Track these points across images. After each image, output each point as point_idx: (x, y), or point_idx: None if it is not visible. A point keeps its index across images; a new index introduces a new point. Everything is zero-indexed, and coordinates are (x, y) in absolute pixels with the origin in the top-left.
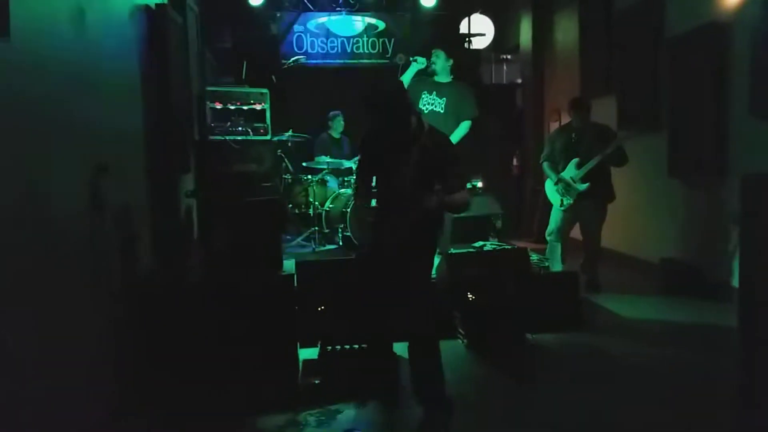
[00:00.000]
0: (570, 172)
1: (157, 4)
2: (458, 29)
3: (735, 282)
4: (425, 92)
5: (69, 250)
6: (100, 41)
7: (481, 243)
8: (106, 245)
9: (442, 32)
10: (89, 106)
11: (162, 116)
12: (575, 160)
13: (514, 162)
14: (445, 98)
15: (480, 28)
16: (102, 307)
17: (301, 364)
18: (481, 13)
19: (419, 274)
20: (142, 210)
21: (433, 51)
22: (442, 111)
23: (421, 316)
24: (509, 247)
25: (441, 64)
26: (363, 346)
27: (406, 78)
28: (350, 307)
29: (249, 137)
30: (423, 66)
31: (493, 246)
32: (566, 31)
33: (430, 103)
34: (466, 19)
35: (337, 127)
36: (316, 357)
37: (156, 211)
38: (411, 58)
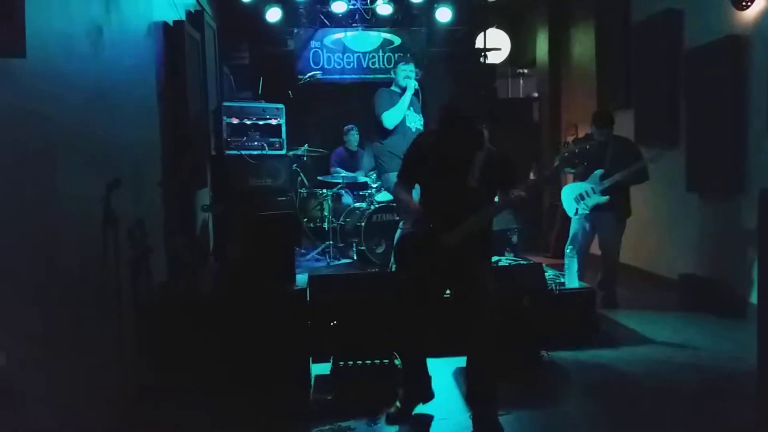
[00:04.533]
0: (592, 182)
1: (174, 21)
2: (474, 44)
3: (754, 298)
4: (409, 110)
5: (84, 263)
6: (117, 58)
7: (496, 258)
8: (122, 258)
9: (458, 47)
10: (105, 123)
11: (178, 132)
12: (599, 171)
13: (531, 176)
14: (420, 114)
15: (496, 43)
16: (115, 320)
17: (313, 379)
18: (497, 27)
19: (485, 283)
20: (157, 224)
21: (405, 65)
22: (422, 128)
23: (489, 329)
24: (524, 262)
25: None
26: (376, 361)
27: (404, 103)
28: (375, 323)
29: (264, 152)
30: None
31: (509, 261)
32: (583, 45)
33: (414, 121)
34: (482, 33)
35: (353, 141)
36: (328, 372)
37: (172, 224)
38: (405, 77)
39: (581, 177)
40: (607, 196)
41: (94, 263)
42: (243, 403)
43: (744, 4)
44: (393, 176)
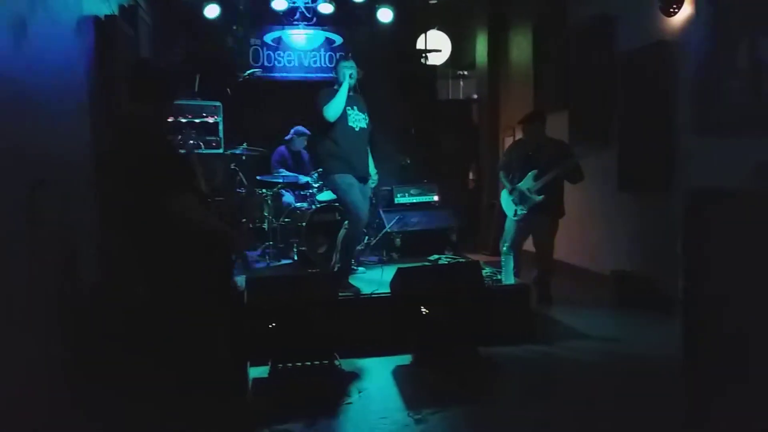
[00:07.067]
0: (527, 183)
1: (106, 16)
2: (415, 45)
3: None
4: (348, 108)
5: (6, 265)
6: (42, 54)
7: (436, 256)
8: (47, 262)
9: (399, 47)
10: (28, 122)
11: (110, 130)
12: (533, 172)
13: (470, 176)
14: (365, 113)
15: (437, 44)
16: (40, 323)
17: (250, 383)
18: (437, 29)
19: None
20: (88, 226)
21: (345, 62)
22: (366, 127)
23: None
24: (462, 260)
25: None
26: (316, 363)
27: (343, 94)
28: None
29: (201, 151)
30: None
31: (448, 259)
32: (521, 47)
33: (357, 120)
34: (423, 35)
35: (299, 143)
36: (266, 375)
37: (104, 225)
38: (348, 71)
39: (518, 179)
40: (542, 196)
41: (16, 265)
42: (178, 408)
43: (671, 10)
44: (337, 178)
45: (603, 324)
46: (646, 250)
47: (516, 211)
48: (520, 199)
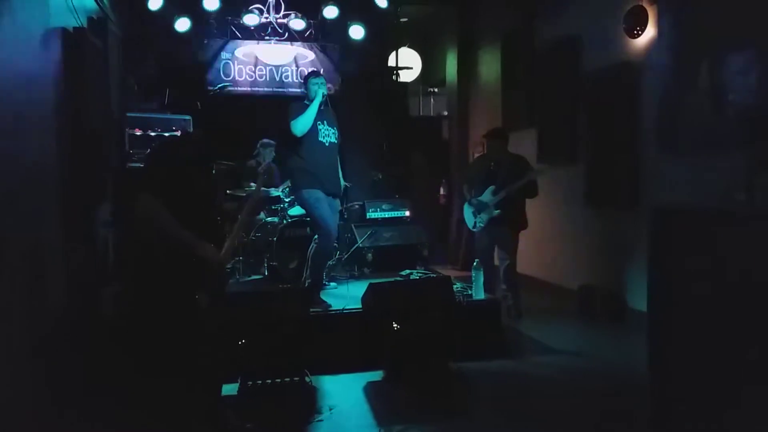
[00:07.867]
0: (486, 197)
1: (74, 28)
2: (386, 62)
3: (637, 305)
4: (318, 122)
5: None
6: (8, 65)
7: (408, 271)
8: (13, 278)
9: (371, 64)
10: None
11: (76, 143)
12: (492, 188)
13: (441, 191)
14: (335, 127)
15: (408, 62)
16: (9, 345)
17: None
18: (408, 47)
19: None
20: (53, 241)
21: (315, 78)
22: (336, 141)
23: None
24: (434, 275)
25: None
26: (286, 379)
27: (313, 110)
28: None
29: None
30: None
31: (420, 274)
32: (490, 66)
33: (327, 135)
34: (394, 52)
35: (267, 156)
36: (236, 393)
37: (69, 242)
38: (318, 88)
39: (478, 193)
40: (498, 210)
41: None
42: (147, 426)
43: (635, 32)
44: (305, 192)
45: (572, 338)
46: (612, 265)
47: (475, 222)
48: (478, 211)
